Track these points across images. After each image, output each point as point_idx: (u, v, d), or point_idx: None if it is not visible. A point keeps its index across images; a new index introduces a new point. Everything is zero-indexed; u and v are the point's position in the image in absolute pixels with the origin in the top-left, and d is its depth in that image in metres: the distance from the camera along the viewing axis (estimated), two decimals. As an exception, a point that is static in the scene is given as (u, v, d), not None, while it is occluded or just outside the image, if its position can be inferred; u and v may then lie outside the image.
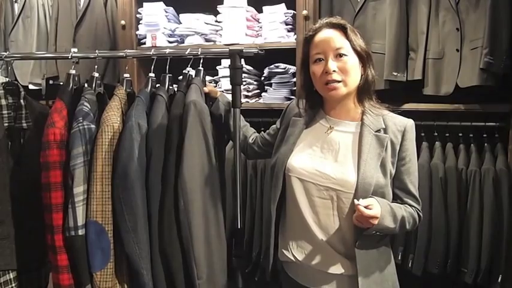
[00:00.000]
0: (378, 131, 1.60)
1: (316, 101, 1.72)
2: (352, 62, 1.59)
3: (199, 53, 1.91)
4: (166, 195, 1.75)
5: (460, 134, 2.50)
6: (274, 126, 1.91)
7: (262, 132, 1.99)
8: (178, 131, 1.76)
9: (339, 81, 1.58)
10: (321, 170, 1.61)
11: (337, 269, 1.60)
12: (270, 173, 1.75)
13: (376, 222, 1.47)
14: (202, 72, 1.96)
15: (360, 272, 1.55)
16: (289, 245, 1.69)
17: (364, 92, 1.64)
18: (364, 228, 1.51)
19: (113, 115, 1.78)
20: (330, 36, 1.60)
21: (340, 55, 1.58)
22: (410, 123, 1.63)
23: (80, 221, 1.73)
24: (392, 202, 1.59)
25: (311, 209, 1.62)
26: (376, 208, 1.47)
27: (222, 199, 1.90)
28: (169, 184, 1.75)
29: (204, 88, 1.94)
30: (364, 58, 1.61)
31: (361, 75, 1.62)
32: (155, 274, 1.76)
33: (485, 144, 2.44)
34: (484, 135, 2.45)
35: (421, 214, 1.65)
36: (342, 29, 1.60)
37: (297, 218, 1.66)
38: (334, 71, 1.57)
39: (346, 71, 1.58)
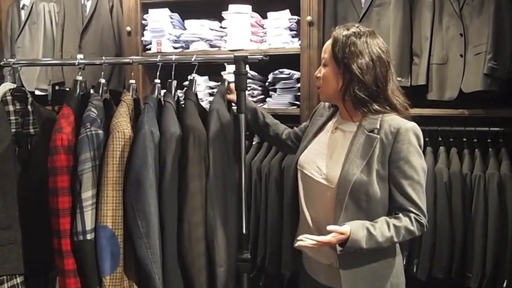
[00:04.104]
0: (371, 131, 1.60)
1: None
2: (327, 73, 1.68)
3: (204, 60, 1.93)
4: (187, 201, 1.77)
5: (464, 139, 2.50)
6: (305, 123, 2.01)
7: (295, 127, 2.07)
8: (197, 142, 1.78)
9: (319, 87, 1.73)
10: (318, 165, 1.70)
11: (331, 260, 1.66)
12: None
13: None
14: (227, 81, 2.01)
15: (341, 264, 1.60)
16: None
17: (354, 102, 1.63)
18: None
19: (123, 121, 1.79)
20: (326, 44, 1.71)
21: (324, 65, 1.70)
22: (406, 126, 1.58)
23: (89, 225, 1.74)
24: (389, 206, 1.61)
25: (308, 203, 1.72)
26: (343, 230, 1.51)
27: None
28: (191, 190, 1.77)
29: (229, 96, 2.00)
30: (345, 73, 1.61)
31: (350, 88, 1.62)
32: (169, 278, 1.78)
33: (490, 149, 2.45)
34: (489, 140, 2.45)
35: (422, 221, 1.58)
36: (334, 40, 1.65)
37: (301, 212, 1.76)
38: (317, 77, 1.73)
39: (323, 80, 1.70)
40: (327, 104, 1.86)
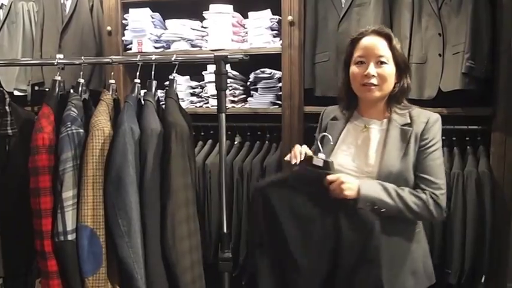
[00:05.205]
0: (404, 125, 1.73)
1: (351, 101, 1.85)
2: (390, 70, 1.72)
3: (185, 60, 1.92)
4: (170, 198, 1.77)
5: (443, 137, 2.52)
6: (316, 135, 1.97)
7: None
8: (180, 138, 1.78)
9: (376, 85, 1.72)
10: (356, 164, 1.76)
11: None
12: None
13: (348, 191, 1.60)
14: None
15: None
16: None
17: (395, 98, 1.77)
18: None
19: (103, 119, 1.78)
20: (375, 43, 1.73)
21: (381, 62, 1.71)
22: (433, 117, 1.74)
23: (70, 225, 1.73)
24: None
25: None
26: (345, 178, 1.61)
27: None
28: (173, 187, 1.77)
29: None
30: (402, 68, 1.75)
31: (395, 83, 1.75)
32: (152, 278, 1.78)
33: (468, 147, 2.48)
34: (467, 138, 2.48)
35: (438, 200, 1.67)
36: (387, 38, 1.73)
37: None
38: (373, 75, 1.71)
39: (384, 78, 1.72)
40: (331, 107, 1.94)
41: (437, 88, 2.38)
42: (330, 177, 1.62)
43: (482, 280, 2.30)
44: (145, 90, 1.92)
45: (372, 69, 1.71)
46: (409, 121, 1.73)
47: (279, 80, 2.73)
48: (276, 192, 1.73)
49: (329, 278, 1.66)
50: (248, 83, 2.87)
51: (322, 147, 1.73)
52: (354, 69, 1.76)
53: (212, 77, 2.78)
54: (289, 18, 2.61)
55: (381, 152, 1.72)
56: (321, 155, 1.68)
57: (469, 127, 2.44)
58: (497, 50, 2.30)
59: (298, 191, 1.71)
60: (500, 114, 2.31)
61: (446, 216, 2.32)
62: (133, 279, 1.73)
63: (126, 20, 2.95)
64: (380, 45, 1.72)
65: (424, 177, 1.69)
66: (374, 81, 1.71)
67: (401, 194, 1.64)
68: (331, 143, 1.79)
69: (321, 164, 1.67)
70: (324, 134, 1.79)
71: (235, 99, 2.82)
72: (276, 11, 2.69)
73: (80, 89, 1.92)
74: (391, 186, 1.64)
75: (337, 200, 1.62)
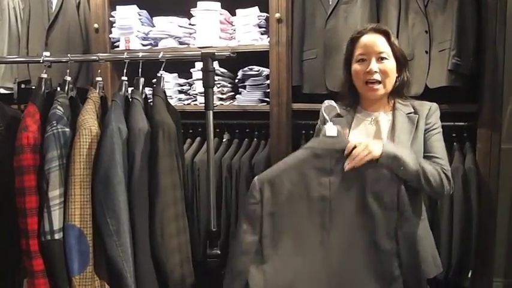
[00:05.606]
0: (409, 113, 1.80)
1: (354, 99, 1.88)
2: (391, 65, 1.77)
3: (172, 57, 1.92)
4: (159, 197, 1.77)
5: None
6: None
7: None
8: (167, 137, 1.78)
9: (379, 82, 1.76)
10: None
11: None
12: None
13: (375, 151, 1.59)
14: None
15: None
16: None
17: (397, 91, 1.83)
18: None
19: (90, 118, 1.78)
20: (374, 40, 1.78)
21: (382, 58, 1.76)
22: (435, 105, 1.83)
23: (56, 225, 1.72)
24: None
25: None
26: (369, 140, 1.67)
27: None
28: (161, 185, 1.78)
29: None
30: (402, 63, 1.81)
31: (396, 77, 1.81)
32: (142, 276, 1.78)
33: (454, 143, 2.50)
34: (453, 135, 2.50)
35: (448, 173, 1.72)
36: (386, 35, 1.79)
37: None
38: (375, 71, 1.75)
39: (385, 73, 1.76)
40: (328, 105, 1.87)
41: (424, 85, 2.40)
42: (352, 143, 1.61)
43: (469, 275, 2.32)
44: (133, 88, 1.91)
45: (373, 65, 1.75)
46: (412, 110, 1.80)
47: (267, 77, 2.73)
48: (286, 178, 1.61)
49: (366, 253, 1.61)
50: (236, 80, 2.87)
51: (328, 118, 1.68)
52: (356, 67, 1.79)
53: (200, 74, 2.78)
54: (277, 15, 2.61)
55: (391, 138, 1.76)
56: (330, 124, 1.63)
57: (456, 123, 2.46)
58: (482, 47, 2.33)
59: (312, 171, 1.61)
60: (486, 111, 2.33)
61: (434, 212, 2.36)
62: (123, 278, 1.73)
63: (113, 17, 2.93)
64: (379, 42, 1.77)
65: (431, 155, 1.75)
66: (377, 77, 1.75)
67: (418, 159, 1.67)
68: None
69: (335, 133, 1.62)
70: (327, 101, 1.75)
71: (224, 96, 2.82)
72: (264, 8, 2.69)
73: (67, 86, 1.92)
74: (414, 155, 1.68)
75: (360, 166, 1.59)
